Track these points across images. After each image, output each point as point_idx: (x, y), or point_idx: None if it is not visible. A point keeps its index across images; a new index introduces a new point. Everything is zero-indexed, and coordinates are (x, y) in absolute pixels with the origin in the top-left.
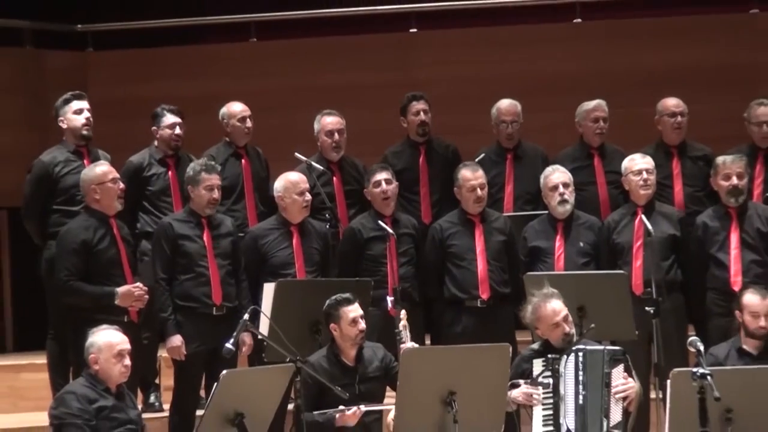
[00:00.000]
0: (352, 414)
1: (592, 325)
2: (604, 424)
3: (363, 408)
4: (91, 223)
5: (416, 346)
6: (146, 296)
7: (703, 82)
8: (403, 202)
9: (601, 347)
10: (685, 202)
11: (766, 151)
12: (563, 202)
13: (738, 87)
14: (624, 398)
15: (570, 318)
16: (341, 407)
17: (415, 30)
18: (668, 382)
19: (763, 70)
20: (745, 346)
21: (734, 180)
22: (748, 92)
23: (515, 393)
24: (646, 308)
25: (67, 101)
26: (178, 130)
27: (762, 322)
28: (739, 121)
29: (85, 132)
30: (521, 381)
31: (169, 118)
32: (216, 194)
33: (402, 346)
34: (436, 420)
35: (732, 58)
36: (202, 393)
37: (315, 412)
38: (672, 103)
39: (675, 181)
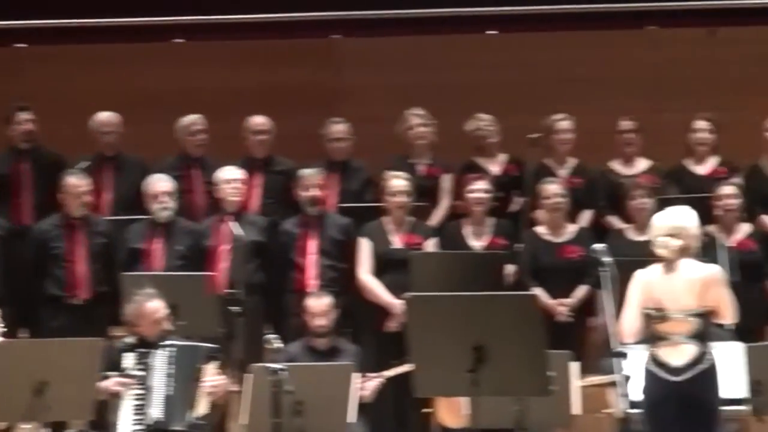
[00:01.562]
0: None
1: (183, 322)
2: (189, 415)
3: None
4: None
5: (7, 340)
6: None
7: (290, 102)
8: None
9: (196, 344)
10: (262, 211)
11: (341, 165)
12: (164, 209)
13: (321, 107)
14: (213, 392)
15: (169, 316)
16: None
17: None
18: (247, 376)
19: (342, 91)
20: (314, 344)
21: (313, 191)
22: (330, 111)
23: (106, 383)
24: (230, 307)
25: None
26: None
27: (318, 321)
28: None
29: None
30: (112, 372)
31: None
32: None
33: None
34: (28, 408)
35: (316, 79)
36: None
37: None
38: (256, 121)
39: (253, 192)
